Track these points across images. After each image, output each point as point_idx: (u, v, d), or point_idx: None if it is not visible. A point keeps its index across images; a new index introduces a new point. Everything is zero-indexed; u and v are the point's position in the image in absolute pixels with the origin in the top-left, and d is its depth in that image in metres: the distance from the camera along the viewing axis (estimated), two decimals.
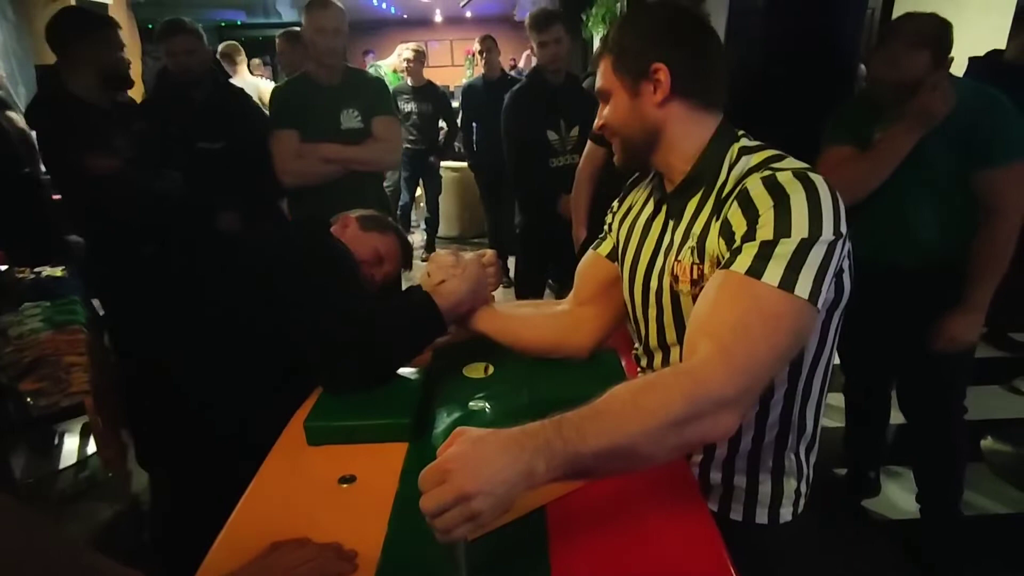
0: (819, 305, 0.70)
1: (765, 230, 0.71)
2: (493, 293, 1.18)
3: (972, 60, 2.47)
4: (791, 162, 0.78)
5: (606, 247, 1.05)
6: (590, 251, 1.09)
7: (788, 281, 0.69)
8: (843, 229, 0.72)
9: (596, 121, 0.93)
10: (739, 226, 0.74)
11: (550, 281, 3.23)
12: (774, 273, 0.69)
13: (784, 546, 0.94)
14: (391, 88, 4.37)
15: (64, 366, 1.79)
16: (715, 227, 0.79)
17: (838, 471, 2.15)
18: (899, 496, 2.04)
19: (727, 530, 0.76)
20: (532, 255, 2.81)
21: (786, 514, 0.91)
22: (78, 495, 2.03)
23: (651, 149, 0.88)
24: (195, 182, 2.14)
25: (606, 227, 1.07)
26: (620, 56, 0.86)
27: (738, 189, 0.77)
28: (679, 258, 0.84)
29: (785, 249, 0.70)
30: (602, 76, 0.89)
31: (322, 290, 1.05)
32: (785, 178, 0.73)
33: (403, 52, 4.21)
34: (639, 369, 1.05)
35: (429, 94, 4.25)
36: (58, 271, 2.41)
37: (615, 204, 1.07)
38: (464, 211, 5.16)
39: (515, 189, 2.81)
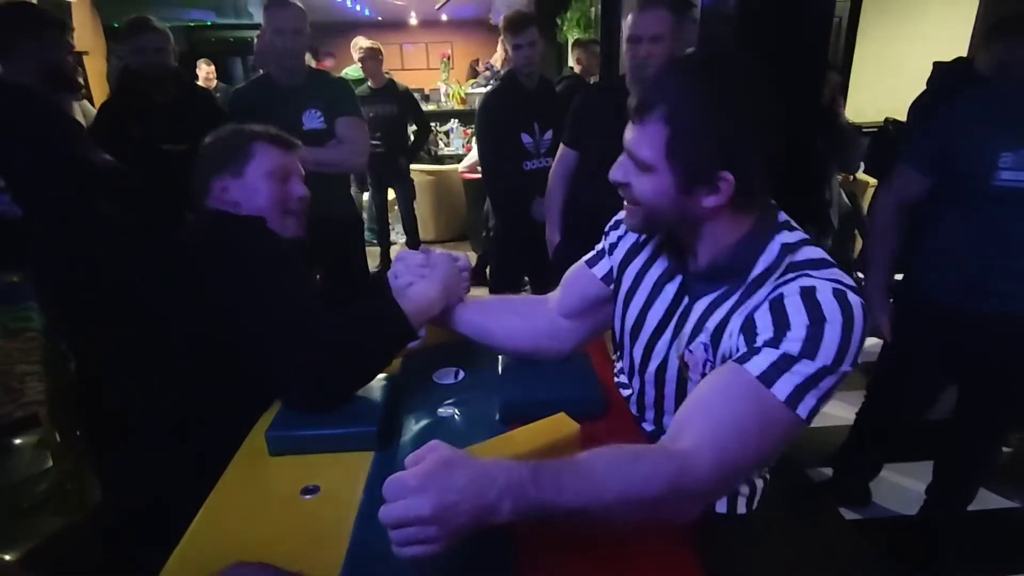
0: (811, 422, 0.71)
1: (792, 345, 0.69)
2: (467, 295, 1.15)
3: (937, 64, 2.52)
4: (833, 273, 0.74)
5: (602, 268, 1.01)
6: (582, 264, 1.05)
7: (795, 399, 0.69)
8: (859, 360, 0.72)
9: (617, 171, 0.79)
10: (764, 330, 0.72)
11: (527, 285, 3.22)
12: (785, 388, 0.69)
13: (746, 537, 0.94)
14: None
15: (17, 375, 1.72)
16: (735, 324, 0.77)
17: (811, 471, 2.18)
18: (877, 497, 2.07)
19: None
20: (506, 258, 2.80)
21: (741, 506, 0.91)
22: (34, 509, 1.95)
23: (681, 233, 0.83)
24: (159, 185, 2.08)
25: (605, 246, 1.02)
26: (682, 141, 0.72)
27: (773, 295, 0.74)
28: (691, 348, 0.82)
29: (804, 369, 0.69)
30: (647, 146, 0.74)
31: (275, 309, 0.95)
32: (825, 297, 0.70)
33: (355, 51, 3.91)
34: (617, 382, 1.05)
35: (391, 95, 3.99)
36: (13, 276, 2.32)
37: (619, 224, 0.99)
38: (440, 215, 5.12)
39: (489, 192, 2.80)
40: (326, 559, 0.72)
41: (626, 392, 1.01)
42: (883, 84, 4.58)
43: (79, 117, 2.37)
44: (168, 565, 0.74)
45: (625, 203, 0.82)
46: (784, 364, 0.69)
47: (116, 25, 3.72)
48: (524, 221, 2.54)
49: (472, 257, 4.13)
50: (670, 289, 0.88)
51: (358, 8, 8.91)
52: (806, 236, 0.80)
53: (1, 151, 1.70)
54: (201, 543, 0.78)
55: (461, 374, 1.14)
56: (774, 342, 0.70)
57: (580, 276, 1.04)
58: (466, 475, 0.59)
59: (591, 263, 1.03)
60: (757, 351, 0.71)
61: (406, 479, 0.58)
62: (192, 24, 8.57)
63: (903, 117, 2.46)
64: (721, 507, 0.91)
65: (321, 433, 0.94)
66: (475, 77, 7.14)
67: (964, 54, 2.68)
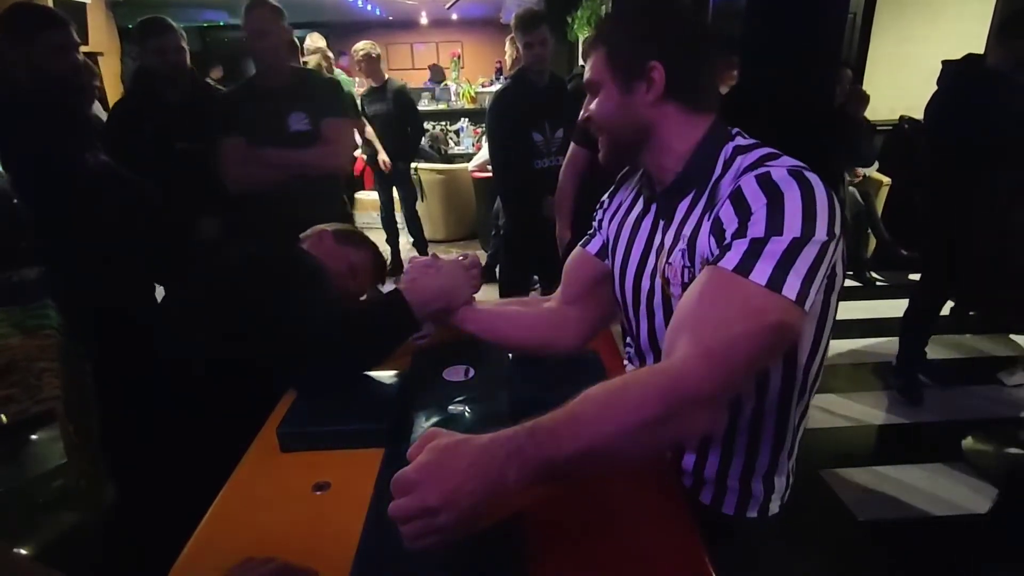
0: (806, 307, 0.68)
1: (757, 227, 0.69)
2: (476, 296, 1.16)
3: (946, 63, 2.48)
4: (787, 160, 0.76)
5: (595, 244, 1.03)
6: (578, 248, 1.07)
7: (776, 280, 0.67)
8: (837, 231, 0.70)
9: (582, 112, 0.90)
10: (730, 223, 0.72)
11: (537, 284, 3.22)
12: (762, 271, 0.67)
13: (761, 539, 0.93)
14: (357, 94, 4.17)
15: (35, 372, 1.75)
16: (706, 226, 0.77)
17: (823, 472, 2.16)
18: (886, 498, 2.06)
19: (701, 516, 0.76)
20: (517, 256, 2.80)
21: (753, 511, 0.90)
22: (49, 505, 1.97)
23: (640, 148, 0.86)
24: (175, 183, 2.10)
25: (594, 223, 1.05)
26: (614, 50, 0.83)
27: (732, 188, 0.75)
28: (670, 260, 0.83)
29: (776, 247, 0.67)
30: (593, 68, 0.86)
31: (289, 296, 1.04)
32: (780, 176, 0.71)
33: (355, 54, 3.88)
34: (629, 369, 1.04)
35: (384, 93, 3.90)
36: (31, 274, 2.36)
37: (604, 199, 1.05)
38: (450, 213, 5.12)
39: (500, 190, 2.80)
40: (337, 555, 0.73)
41: None
42: (897, 81, 4.53)
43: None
44: (180, 561, 0.75)
45: (599, 144, 0.90)
46: (755, 249, 0.68)
47: (130, 27, 3.75)
48: (535, 219, 2.54)
49: (482, 256, 4.13)
50: (647, 223, 0.91)
51: (369, 8, 8.95)
52: (759, 141, 0.83)
53: (3, 151, 1.71)
54: (213, 539, 0.79)
55: (471, 372, 1.15)
56: (740, 232, 0.70)
57: (578, 260, 1.06)
58: (467, 456, 0.59)
59: (585, 244, 1.06)
60: (728, 247, 0.70)
61: (408, 474, 0.59)
62: (206, 24, 8.64)
63: (918, 115, 2.42)
64: (729, 508, 0.89)
65: (332, 429, 0.95)
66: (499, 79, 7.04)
67: (980, 51, 2.64)
